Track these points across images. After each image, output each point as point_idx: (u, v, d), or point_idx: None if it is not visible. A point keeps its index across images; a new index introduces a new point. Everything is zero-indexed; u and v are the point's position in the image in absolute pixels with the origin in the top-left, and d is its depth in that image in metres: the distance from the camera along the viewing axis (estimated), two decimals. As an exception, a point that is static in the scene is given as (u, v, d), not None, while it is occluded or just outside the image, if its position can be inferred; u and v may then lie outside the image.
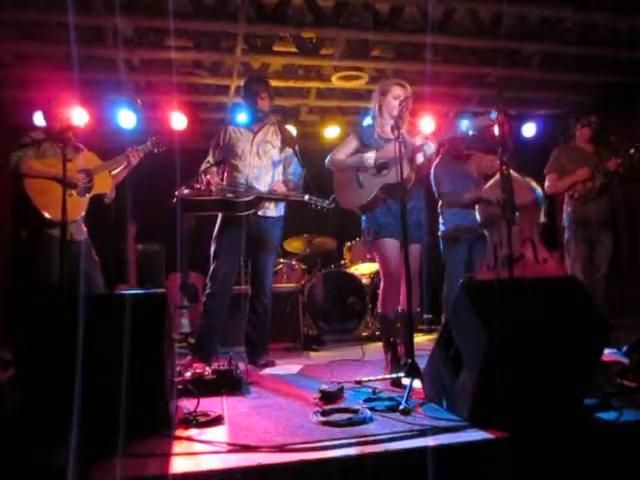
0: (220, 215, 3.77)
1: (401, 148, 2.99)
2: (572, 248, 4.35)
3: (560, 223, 4.62)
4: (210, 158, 3.88)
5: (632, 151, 4.06)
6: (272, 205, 3.81)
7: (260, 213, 3.73)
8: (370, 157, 3.33)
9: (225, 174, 3.84)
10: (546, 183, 4.43)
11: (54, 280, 3.41)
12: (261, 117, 3.86)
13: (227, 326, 4.21)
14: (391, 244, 3.26)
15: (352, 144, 3.50)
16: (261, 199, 3.69)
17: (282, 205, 3.90)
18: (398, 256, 3.21)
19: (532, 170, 4.44)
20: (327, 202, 3.72)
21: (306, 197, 3.72)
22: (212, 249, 3.76)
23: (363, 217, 3.46)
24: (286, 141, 3.91)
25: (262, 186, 3.74)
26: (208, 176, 3.69)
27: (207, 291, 3.71)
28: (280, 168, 3.89)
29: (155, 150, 3.96)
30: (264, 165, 3.80)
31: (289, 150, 3.92)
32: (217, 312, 3.69)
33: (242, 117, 4.09)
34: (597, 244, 4.32)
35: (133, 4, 4.34)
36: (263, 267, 3.83)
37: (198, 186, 3.62)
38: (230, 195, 3.65)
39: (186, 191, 3.57)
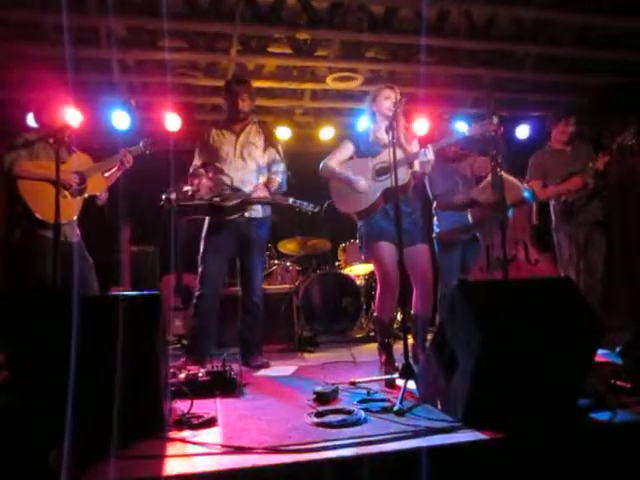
0: (207, 217, 3.80)
1: (395, 152, 2.98)
2: (564, 251, 4.33)
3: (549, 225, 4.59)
4: (197, 161, 3.91)
5: (623, 137, 3.99)
6: (258, 206, 3.81)
7: (247, 214, 3.74)
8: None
9: (210, 174, 3.84)
10: None
11: (48, 281, 3.39)
12: (242, 118, 3.87)
13: (222, 327, 4.21)
14: (389, 249, 3.25)
15: (347, 150, 3.51)
16: (246, 202, 3.71)
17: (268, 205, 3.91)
18: (395, 261, 3.19)
19: (525, 172, 4.45)
20: (312, 206, 3.77)
21: (290, 200, 3.77)
22: (201, 251, 3.77)
23: (359, 222, 3.46)
24: (269, 140, 3.93)
25: (248, 188, 3.74)
26: (201, 179, 3.72)
27: (197, 293, 3.73)
28: (265, 169, 3.89)
29: (148, 152, 3.95)
30: (248, 168, 3.80)
31: (272, 149, 3.93)
32: (208, 314, 3.71)
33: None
34: (589, 247, 4.29)
35: (127, 4, 4.32)
36: (252, 267, 3.82)
37: (187, 189, 3.65)
38: (217, 199, 3.67)
39: (173, 195, 3.63)
